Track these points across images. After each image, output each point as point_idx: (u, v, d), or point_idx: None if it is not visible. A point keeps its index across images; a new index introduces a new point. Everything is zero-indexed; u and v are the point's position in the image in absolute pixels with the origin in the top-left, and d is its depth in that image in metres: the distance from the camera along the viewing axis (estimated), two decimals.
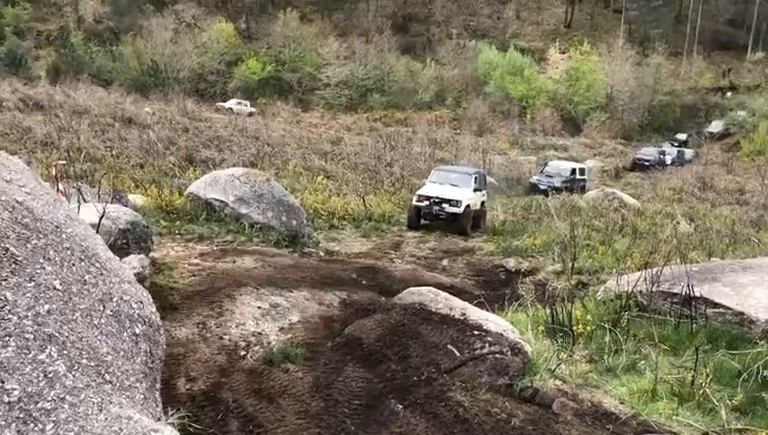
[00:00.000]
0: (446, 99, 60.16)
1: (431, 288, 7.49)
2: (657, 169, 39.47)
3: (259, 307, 7.44)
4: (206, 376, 5.78)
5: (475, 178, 19.60)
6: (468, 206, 18.47)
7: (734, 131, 55.23)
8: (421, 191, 18.78)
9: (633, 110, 58.43)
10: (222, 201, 14.66)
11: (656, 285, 7.62)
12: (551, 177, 29.79)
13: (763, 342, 6.82)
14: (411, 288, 7.65)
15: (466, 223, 18.45)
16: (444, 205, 18.09)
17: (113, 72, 55.96)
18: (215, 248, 11.37)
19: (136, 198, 14.47)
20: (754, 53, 66.28)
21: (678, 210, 24.67)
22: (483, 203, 20.48)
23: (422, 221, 18.76)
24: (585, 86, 58.27)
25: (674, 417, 5.79)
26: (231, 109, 47.44)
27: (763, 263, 8.72)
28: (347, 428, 5.12)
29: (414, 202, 18.61)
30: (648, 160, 41.27)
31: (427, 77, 60.76)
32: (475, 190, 19.38)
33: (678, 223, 18.51)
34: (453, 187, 18.83)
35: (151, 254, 8.71)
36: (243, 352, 6.38)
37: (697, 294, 7.36)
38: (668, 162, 41.94)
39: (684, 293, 7.38)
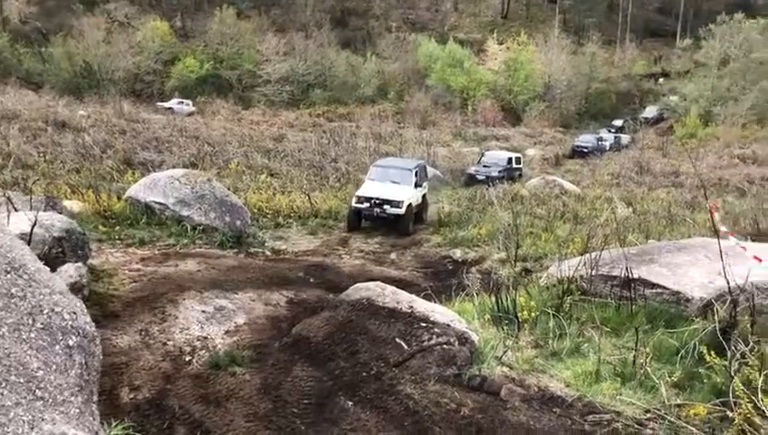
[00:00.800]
0: (388, 92, 60.23)
1: (378, 283, 7.49)
2: (595, 155, 40.42)
3: (203, 311, 7.32)
4: (151, 384, 5.65)
5: (416, 172, 18.92)
6: (410, 205, 17.87)
7: (667, 116, 57.15)
8: (360, 192, 17.88)
9: (570, 98, 59.77)
10: (162, 204, 14.37)
11: (595, 269, 7.80)
12: (488, 167, 29.82)
13: (698, 319, 7.05)
14: (358, 284, 7.64)
15: (408, 223, 17.87)
16: (385, 206, 17.33)
17: (43, 74, 53.97)
18: (156, 253, 11.14)
19: (72, 205, 14.02)
20: (683, 40, 68.46)
21: (616, 195, 25.39)
22: (424, 196, 20.04)
23: (363, 223, 18.10)
24: (523, 76, 59.25)
25: (617, 397, 5.94)
26: (171, 108, 46.41)
27: (697, 243, 9.04)
28: (297, 428, 5.09)
29: (353, 204, 17.74)
30: (586, 147, 42.23)
31: (368, 71, 60.68)
32: (417, 186, 18.74)
33: (616, 207, 18.97)
34: (393, 184, 18.08)
35: (89, 261, 8.46)
36: (188, 358, 6.26)
37: (636, 275, 7.57)
38: (606, 148, 43.00)
39: (623, 275, 7.57)
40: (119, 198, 14.95)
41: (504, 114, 56.12)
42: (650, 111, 59.08)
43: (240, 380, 5.75)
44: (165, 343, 6.46)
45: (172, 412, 5.21)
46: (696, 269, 7.73)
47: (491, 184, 26.17)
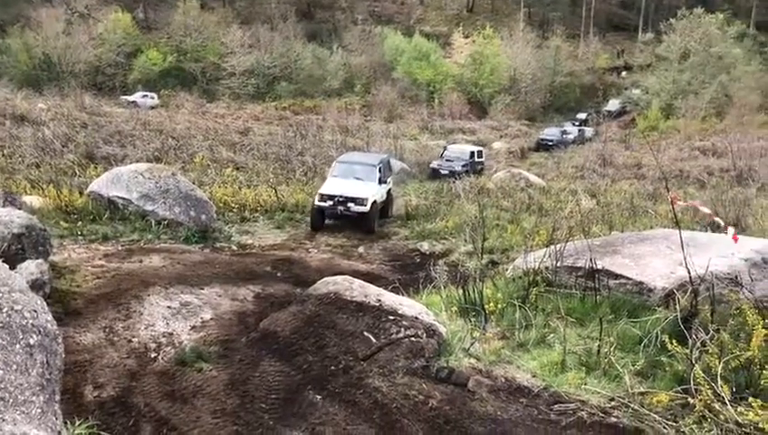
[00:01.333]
0: (354, 85, 60.05)
1: (346, 277, 7.49)
2: (559, 148, 40.90)
3: (169, 307, 7.23)
4: (116, 382, 5.57)
5: (380, 167, 18.37)
6: (375, 202, 17.31)
7: (629, 109, 58.06)
8: (323, 190, 17.20)
9: (535, 91, 60.33)
10: (126, 199, 14.15)
11: (560, 260, 7.89)
12: (451, 161, 29.68)
13: (660, 308, 7.19)
14: (326, 278, 7.62)
15: (373, 220, 17.34)
16: (349, 204, 16.74)
17: (0, 66, 52.55)
18: (120, 248, 10.97)
19: (32, 200, 13.71)
20: (645, 34, 69.62)
21: (580, 187, 25.73)
22: (389, 191, 19.54)
23: (326, 221, 17.50)
24: (489, 70, 59.62)
25: (582, 386, 6.03)
26: (135, 102, 45.54)
27: (658, 234, 9.21)
28: (265, 423, 5.06)
29: (316, 202, 17.01)
30: (551, 140, 42.71)
31: (334, 64, 60.42)
32: (381, 182, 18.16)
33: (581, 199, 19.22)
34: (357, 181, 17.49)
35: (51, 258, 8.28)
36: (153, 355, 6.18)
37: (600, 266, 7.68)
38: (570, 141, 43.53)
39: (587, 266, 7.68)
40: (81, 194, 14.69)
41: (470, 107, 56.41)
42: (613, 105, 59.98)
43: (207, 376, 5.70)
44: (129, 340, 6.37)
45: (137, 410, 5.15)
46: (658, 260, 7.87)
47: (455, 178, 26.16)
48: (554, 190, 25.20)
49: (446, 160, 29.83)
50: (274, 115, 47.02)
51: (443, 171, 28.53)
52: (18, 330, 3.06)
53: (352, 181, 17.40)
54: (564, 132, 45.03)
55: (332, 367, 5.91)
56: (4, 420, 2.57)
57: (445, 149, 32.53)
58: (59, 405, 3.18)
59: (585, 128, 49.46)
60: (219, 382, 5.59)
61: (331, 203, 16.79)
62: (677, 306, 6.77)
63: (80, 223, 13.28)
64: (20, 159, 20.36)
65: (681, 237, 6.66)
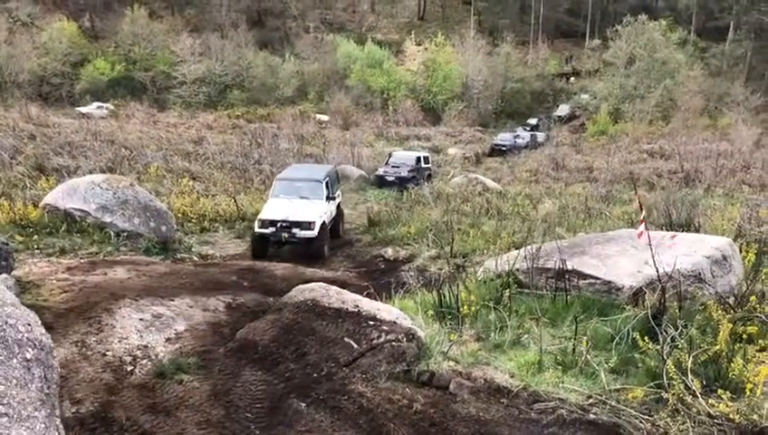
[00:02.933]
0: (308, 93, 59.93)
1: (321, 283, 7.48)
2: (513, 153, 41.52)
3: (141, 319, 7.09)
4: (93, 396, 5.44)
5: (327, 182, 16.40)
6: (323, 224, 15.52)
7: (579, 114, 59.36)
8: (264, 214, 15.24)
9: (487, 97, 61.15)
10: (83, 211, 13.83)
11: (534, 261, 8.04)
12: (397, 167, 28.54)
13: (629, 306, 7.40)
14: (301, 286, 7.58)
15: (323, 245, 15.47)
16: (294, 229, 14.90)
17: None
18: (82, 261, 10.69)
19: None
20: (592, 41, 71.41)
21: (537, 191, 26.22)
22: (339, 206, 17.95)
23: (270, 249, 15.52)
24: (442, 77, 60.19)
25: (560, 384, 6.16)
26: (89, 113, 44.21)
27: (623, 234, 9.46)
28: (251, 432, 5.02)
29: (256, 229, 15.00)
30: (504, 145, 43.32)
31: (287, 72, 60.14)
32: (329, 199, 16.37)
33: (544, 202, 19.58)
34: (301, 200, 15.58)
35: (13, 272, 8.04)
36: (130, 368, 6.06)
37: (569, 267, 7.86)
38: (523, 146, 44.27)
39: (557, 267, 7.85)
40: (35, 206, 14.26)
41: (425, 114, 56.79)
42: (563, 110, 61.20)
43: (188, 387, 5.62)
44: (104, 354, 6.22)
45: (119, 424, 5.04)
46: (624, 259, 8.09)
47: (404, 186, 25.93)
48: (511, 194, 25.60)
49: (392, 167, 28.87)
50: (228, 124, 46.45)
51: (389, 178, 27.69)
52: (14, 344, 2.98)
53: (296, 202, 15.51)
54: (517, 137, 45.74)
55: (315, 374, 5.90)
56: None
57: (390, 155, 31.43)
58: (59, 420, 3.11)
59: (537, 133, 50.37)
60: (202, 393, 5.52)
61: (273, 229, 14.90)
62: (647, 304, 6.99)
63: (36, 236, 12.91)
64: None
65: (649, 237, 6.86)
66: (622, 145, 42.25)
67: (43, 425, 2.79)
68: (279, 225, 14.85)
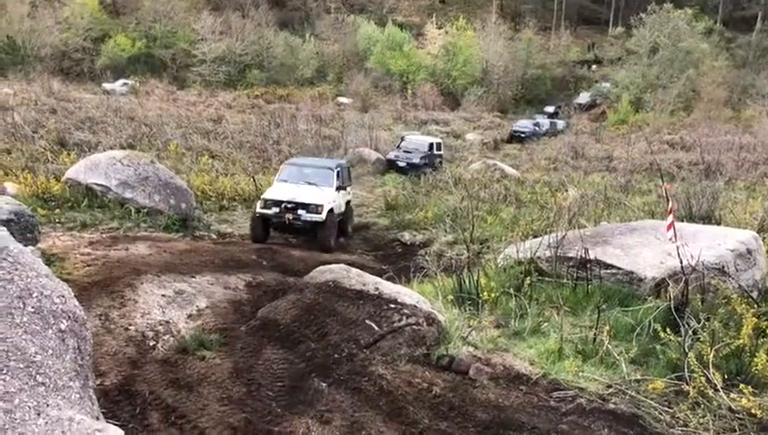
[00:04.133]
0: (327, 74, 59.76)
1: (342, 265, 7.51)
2: (532, 140, 41.26)
3: (163, 295, 7.16)
4: (117, 370, 5.51)
5: (338, 172, 15.33)
6: (332, 211, 14.22)
7: (600, 102, 58.69)
8: (268, 194, 14.19)
9: (507, 83, 60.71)
10: (104, 186, 13.94)
11: (559, 250, 8.01)
12: (408, 152, 27.62)
13: (651, 298, 7.36)
14: (322, 266, 7.62)
15: (330, 234, 14.13)
16: (300, 211, 13.62)
17: None
18: (104, 236, 10.81)
19: (7, 187, 13.42)
20: (615, 28, 70.46)
21: (556, 178, 26.03)
22: (348, 203, 16.63)
23: (271, 233, 14.43)
24: (462, 61, 59.80)
25: (580, 373, 6.15)
26: (113, 90, 44.38)
27: (647, 225, 9.39)
28: (273, 410, 5.06)
29: (258, 209, 13.87)
30: (523, 132, 43.05)
31: (306, 52, 59.98)
32: (339, 189, 15.20)
33: (567, 191, 19.42)
34: (310, 186, 14.51)
35: (38, 245, 8.13)
36: (152, 343, 6.13)
37: (591, 256, 7.81)
38: (543, 133, 43.95)
39: (579, 256, 7.81)
40: (57, 180, 14.39)
41: (444, 98, 56.51)
42: (583, 97, 60.63)
43: (210, 364, 5.67)
44: (127, 328, 6.29)
45: (143, 398, 5.10)
46: (647, 250, 8.03)
47: (414, 172, 25.29)
48: (529, 182, 25.44)
49: (404, 152, 27.92)
50: (247, 103, 46.49)
51: (400, 163, 26.91)
52: (49, 315, 3.02)
53: (304, 186, 14.52)
54: (537, 124, 45.42)
55: (336, 355, 5.93)
56: (48, 405, 2.54)
57: (402, 139, 30.24)
58: (92, 391, 3.15)
59: (557, 120, 49.94)
60: (223, 370, 5.57)
61: (276, 210, 13.67)
62: (669, 295, 6.94)
63: (58, 210, 13.06)
64: None
65: (675, 229, 6.80)
66: (642, 135, 41.80)
67: (77, 395, 2.83)
68: (283, 205, 13.63)
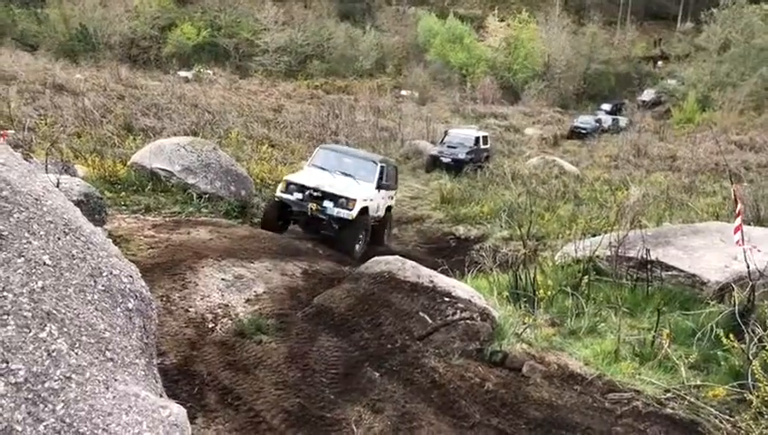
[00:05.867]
0: (386, 66, 59.88)
1: (397, 257, 7.52)
2: (593, 136, 40.45)
3: (223, 279, 7.32)
4: (177, 350, 5.66)
5: (382, 168, 13.32)
6: (366, 211, 12.06)
7: (665, 100, 57.04)
8: (293, 177, 12.32)
9: (569, 78, 59.62)
10: (168, 171, 14.27)
11: (620, 249, 7.85)
12: (453, 147, 25.85)
13: (714, 302, 7.14)
14: (377, 257, 7.66)
15: (357, 236, 11.75)
16: (326, 203, 11.49)
17: (39, 36, 53.15)
18: (166, 220, 11.09)
19: (77, 169, 13.93)
20: (684, 24, 68.32)
21: (616, 177, 25.48)
22: (389, 209, 14.56)
23: (290, 224, 12.56)
24: (523, 55, 59.05)
25: (636, 376, 6.03)
26: (186, 77, 45.55)
27: (712, 227, 9.12)
28: (326, 397, 5.13)
29: (278, 193, 12.03)
30: (585, 128, 42.23)
31: (367, 44, 60.24)
32: (381, 188, 13.16)
33: (630, 189, 18.98)
34: (346, 177, 12.53)
35: (105, 226, 8.43)
36: (211, 325, 6.27)
37: (653, 257, 7.63)
38: (604, 130, 43.02)
39: (640, 256, 7.64)
40: (123, 164, 14.85)
41: (503, 92, 55.88)
42: (648, 94, 59.02)
43: (266, 348, 5.77)
44: (187, 310, 6.46)
45: (201, 378, 5.23)
46: (711, 253, 7.80)
47: (460, 169, 23.99)
48: (589, 179, 24.97)
49: (449, 147, 26.10)
50: (306, 94, 47.02)
51: (444, 159, 25.17)
52: (118, 294, 3.13)
53: (339, 176, 12.56)
54: (599, 121, 44.48)
55: (389, 345, 5.96)
56: (116, 380, 2.65)
57: (446, 133, 28.37)
58: (156, 369, 3.27)
59: (619, 117, 48.78)
60: (279, 355, 5.66)
61: (299, 197, 11.69)
62: (733, 301, 6.72)
63: (123, 193, 13.46)
64: (61, 127, 20.61)
65: (742, 232, 6.58)
66: (709, 134, 40.46)
67: (143, 372, 2.94)
68: (308, 193, 11.63)
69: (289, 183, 11.89)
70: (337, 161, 13.18)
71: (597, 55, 62.83)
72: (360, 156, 14.06)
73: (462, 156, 25.12)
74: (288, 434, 4.55)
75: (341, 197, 11.50)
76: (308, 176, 12.26)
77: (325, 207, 11.46)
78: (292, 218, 12.29)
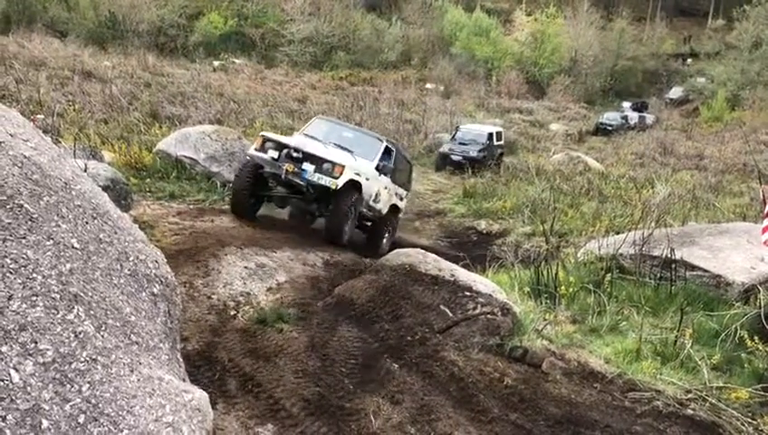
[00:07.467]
0: (411, 59, 59.64)
1: (419, 250, 7.53)
2: (619, 133, 39.97)
3: (245, 267, 7.38)
4: (199, 336, 5.73)
5: (387, 150, 11.50)
6: (357, 187, 10.02)
7: (693, 98, 56.08)
8: (271, 134, 10.78)
9: (596, 74, 58.86)
10: (193, 159, 14.40)
11: (647, 247, 7.78)
12: (465, 144, 24.34)
13: (738, 303, 7.05)
14: (399, 250, 7.68)
15: (344, 218, 9.78)
16: (306, 165, 9.40)
17: (68, 22, 53.72)
18: (191, 207, 11.20)
19: (104, 155, 14.10)
20: (715, 21, 67.15)
21: (642, 174, 25.19)
22: (395, 208, 12.63)
23: (263, 201, 10.72)
24: (550, 49, 58.40)
25: (658, 376, 5.98)
26: (216, 66, 45.91)
27: (738, 227, 8.98)
28: (346, 386, 5.16)
29: (251, 151, 10.11)
30: (611, 125, 41.71)
31: (392, 36, 59.98)
32: (383, 173, 11.19)
33: (653, 187, 18.75)
34: (341, 150, 10.54)
35: (130, 211, 8.53)
36: (233, 312, 6.34)
37: (677, 257, 7.55)
38: (630, 127, 42.48)
39: (664, 255, 7.56)
40: (149, 151, 15.01)
41: (528, 87, 55.38)
42: (676, 92, 58.06)
43: (287, 336, 5.82)
44: (209, 297, 6.53)
45: (222, 365, 5.29)
46: (737, 254, 7.70)
47: (472, 168, 22.48)
48: (614, 176, 24.71)
49: (460, 144, 24.58)
50: (331, 85, 47.03)
51: (454, 157, 23.78)
52: (143, 278, 3.18)
53: (332, 147, 10.56)
54: (625, 118, 43.93)
55: (409, 337, 5.98)
56: (141, 364, 2.69)
57: (457, 129, 26.51)
58: (179, 354, 3.31)
59: (646, 114, 48.14)
60: (300, 344, 5.71)
61: (274, 156, 9.62)
62: (759, 302, 6.63)
63: (148, 180, 13.60)
64: (89, 114, 20.87)
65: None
66: (737, 134, 39.78)
67: (166, 356, 2.98)
68: (285, 152, 9.60)
69: (266, 139, 9.83)
70: (335, 134, 11.37)
71: (625, 51, 61.91)
72: (362, 131, 12.53)
73: (474, 154, 23.82)
74: (307, 422, 4.58)
75: (326, 160, 9.48)
76: (292, 139, 10.28)
77: (304, 170, 9.32)
78: (266, 195, 10.34)
